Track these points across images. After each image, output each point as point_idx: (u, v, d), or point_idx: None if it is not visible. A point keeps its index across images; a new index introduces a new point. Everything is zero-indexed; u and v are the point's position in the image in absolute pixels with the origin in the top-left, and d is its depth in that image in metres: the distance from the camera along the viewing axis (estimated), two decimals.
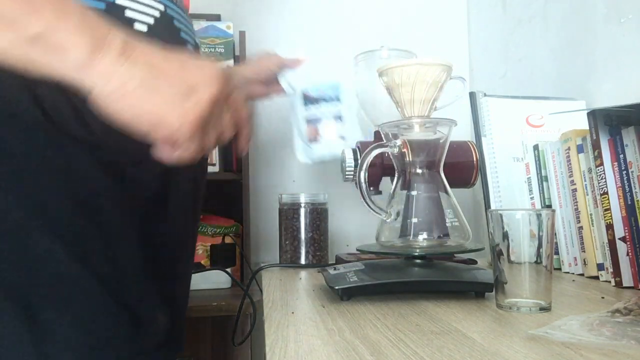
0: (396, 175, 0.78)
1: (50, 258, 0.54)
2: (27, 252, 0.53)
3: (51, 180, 0.55)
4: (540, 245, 0.61)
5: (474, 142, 1.00)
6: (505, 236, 0.62)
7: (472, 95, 1.02)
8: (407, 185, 0.76)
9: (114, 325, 0.58)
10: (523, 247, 0.61)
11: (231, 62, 1.38)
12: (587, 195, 0.86)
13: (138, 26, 0.60)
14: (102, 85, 0.46)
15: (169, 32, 0.64)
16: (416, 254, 0.73)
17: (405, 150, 0.75)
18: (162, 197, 0.67)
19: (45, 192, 0.54)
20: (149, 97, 0.48)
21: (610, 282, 0.79)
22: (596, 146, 0.79)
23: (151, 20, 0.61)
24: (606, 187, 0.78)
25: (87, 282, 0.56)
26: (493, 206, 0.97)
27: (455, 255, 0.98)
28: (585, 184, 0.86)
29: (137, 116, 0.48)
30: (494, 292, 0.64)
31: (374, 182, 0.96)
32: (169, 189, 0.68)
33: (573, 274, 0.90)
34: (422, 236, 0.73)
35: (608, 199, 0.78)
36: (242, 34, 1.36)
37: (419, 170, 0.76)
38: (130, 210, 0.61)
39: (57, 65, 0.46)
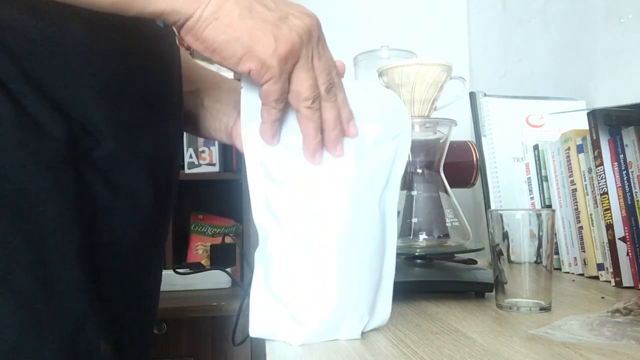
0: None
1: None
2: None
3: None
4: (540, 245, 0.61)
5: (474, 142, 1.00)
6: (505, 236, 0.62)
7: (472, 95, 1.01)
8: (407, 185, 0.76)
9: None
10: (523, 247, 0.61)
11: None
12: (587, 195, 0.86)
13: None
14: (200, 10, 0.45)
15: None
16: (416, 254, 0.73)
17: None
18: (108, 198, 0.54)
19: None
20: (244, 20, 0.46)
21: (610, 282, 0.79)
22: (596, 146, 0.79)
23: None
24: (606, 187, 0.78)
25: (4, 307, 0.45)
26: (493, 206, 0.97)
27: (455, 255, 0.98)
28: (585, 184, 0.86)
29: (230, 41, 0.46)
30: (494, 292, 0.64)
31: None
32: (118, 189, 0.55)
33: (573, 274, 0.90)
34: (422, 236, 0.73)
35: (608, 199, 0.78)
36: None
37: (419, 170, 0.76)
38: (69, 216, 0.50)
39: None
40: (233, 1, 0.46)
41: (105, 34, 0.53)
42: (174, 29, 0.51)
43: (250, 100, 0.52)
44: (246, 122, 0.52)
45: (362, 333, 0.52)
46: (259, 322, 0.51)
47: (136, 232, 0.57)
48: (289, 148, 0.52)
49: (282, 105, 0.50)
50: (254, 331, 0.51)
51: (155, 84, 0.59)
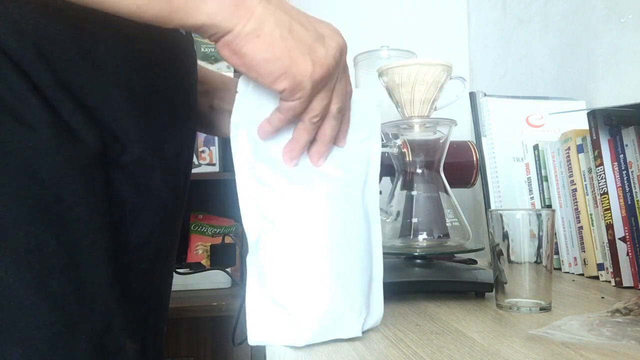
0: (396, 175, 0.78)
1: None
2: None
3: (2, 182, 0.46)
4: (540, 245, 0.61)
5: (474, 142, 1.00)
6: (505, 236, 0.62)
7: (472, 95, 1.02)
8: (407, 185, 0.76)
9: None
10: (523, 247, 0.61)
11: None
12: (587, 195, 0.86)
13: None
14: (241, 26, 0.45)
15: None
16: (416, 254, 0.73)
17: (405, 150, 0.75)
18: (136, 202, 0.56)
19: None
20: (285, 41, 0.46)
21: (610, 282, 0.79)
22: (596, 146, 0.79)
23: None
24: (606, 187, 0.78)
25: (39, 308, 0.47)
26: (493, 206, 0.97)
27: (455, 255, 0.98)
28: (585, 184, 0.86)
29: (270, 60, 0.46)
30: (494, 292, 0.64)
31: None
32: (145, 193, 0.57)
33: (573, 274, 0.90)
34: (422, 236, 0.73)
35: (608, 199, 0.78)
36: None
37: (419, 170, 0.76)
38: (101, 219, 0.51)
39: (200, 9, 0.44)
40: (274, 21, 0.46)
41: (133, 44, 0.54)
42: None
43: (243, 108, 0.52)
44: (237, 128, 0.53)
45: (362, 332, 0.52)
46: (257, 329, 0.51)
47: (160, 233, 0.58)
48: (277, 153, 0.53)
49: (295, 119, 0.51)
50: (253, 339, 0.51)
51: (177, 90, 0.61)
